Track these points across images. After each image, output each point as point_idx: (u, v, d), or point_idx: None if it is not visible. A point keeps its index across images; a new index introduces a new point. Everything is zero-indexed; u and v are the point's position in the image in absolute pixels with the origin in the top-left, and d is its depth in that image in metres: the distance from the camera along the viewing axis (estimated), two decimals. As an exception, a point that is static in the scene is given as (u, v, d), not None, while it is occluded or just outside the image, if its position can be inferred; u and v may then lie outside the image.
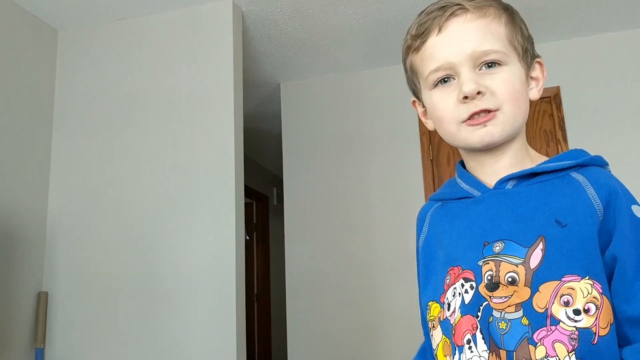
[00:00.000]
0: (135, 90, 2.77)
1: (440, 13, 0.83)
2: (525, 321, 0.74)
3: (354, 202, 3.50)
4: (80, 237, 2.67)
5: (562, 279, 0.74)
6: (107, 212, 2.65)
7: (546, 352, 0.72)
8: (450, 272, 0.83)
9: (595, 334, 0.72)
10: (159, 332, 2.48)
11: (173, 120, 2.68)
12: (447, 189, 0.94)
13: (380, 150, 3.52)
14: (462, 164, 0.92)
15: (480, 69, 0.81)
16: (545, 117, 3.35)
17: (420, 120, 3.51)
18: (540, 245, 0.76)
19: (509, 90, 0.80)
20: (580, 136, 3.20)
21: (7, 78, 2.57)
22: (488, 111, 0.80)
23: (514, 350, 0.74)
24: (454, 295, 0.81)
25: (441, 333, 0.83)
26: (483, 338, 0.76)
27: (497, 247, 0.79)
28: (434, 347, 0.85)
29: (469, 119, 0.81)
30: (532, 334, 0.73)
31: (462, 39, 0.82)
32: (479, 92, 0.80)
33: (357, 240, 3.43)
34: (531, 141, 3.34)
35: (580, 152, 0.84)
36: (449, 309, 0.82)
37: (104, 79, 2.83)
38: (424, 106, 0.92)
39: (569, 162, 0.82)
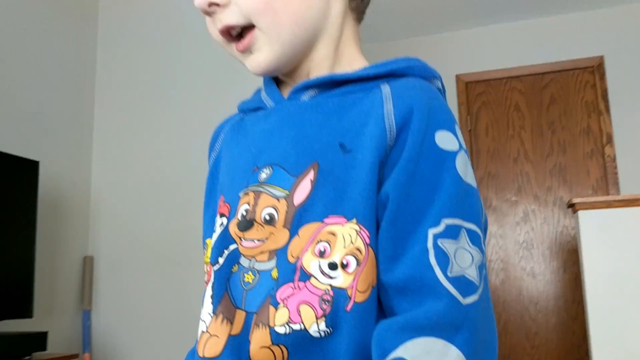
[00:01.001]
0: (176, 63, 2.80)
1: None
2: (275, 274, 0.56)
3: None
4: (123, 204, 2.74)
5: (325, 221, 0.55)
6: (149, 181, 2.72)
7: (289, 317, 0.53)
8: (219, 203, 0.65)
9: (350, 298, 0.53)
10: (200, 294, 2.55)
11: (214, 94, 2.71)
12: (250, 97, 0.73)
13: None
14: None
15: None
16: (587, 87, 3.28)
17: (458, 91, 3.47)
18: (311, 175, 0.57)
19: None
20: (625, 108, 3.13)
21: (49, 49, 2.62)
22: (242, 29, 0.62)
23: (255, 312, 0.56)
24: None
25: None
26: (212, 295, 0.60)
27: (264, 174, 0.60)
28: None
29: (234, 40, 0.63)
30: (276, 292, 0.55)
31: None
32: (215, 4, 0.61)
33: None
34: (571, 112, 3.27)
35: (407, 60, 0.62)
36: None
37: (145, 51, 2.86)
38: None
39: (381, 69, 0.61)
